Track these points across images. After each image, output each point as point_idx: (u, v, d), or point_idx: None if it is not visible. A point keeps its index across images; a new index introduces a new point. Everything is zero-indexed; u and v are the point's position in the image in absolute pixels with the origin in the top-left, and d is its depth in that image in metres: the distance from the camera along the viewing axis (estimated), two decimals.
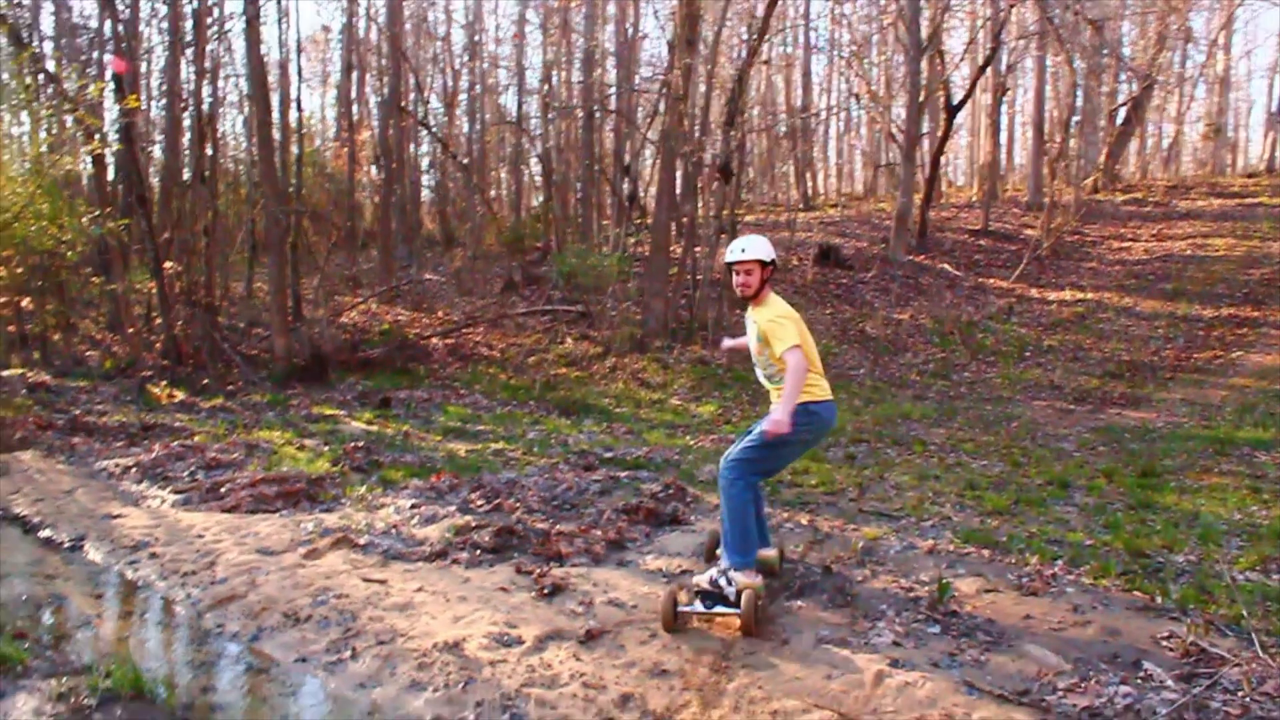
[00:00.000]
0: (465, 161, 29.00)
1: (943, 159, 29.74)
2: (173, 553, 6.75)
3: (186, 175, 19.13)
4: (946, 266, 21.51)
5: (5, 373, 15.28)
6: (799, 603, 5.38)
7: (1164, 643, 4.66)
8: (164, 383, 14.66)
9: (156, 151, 22.64)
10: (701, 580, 5.22)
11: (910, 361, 15.99)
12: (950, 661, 4.59)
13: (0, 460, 9.75)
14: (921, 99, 23.91)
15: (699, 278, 18.21)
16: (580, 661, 4.76)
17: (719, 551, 5.47)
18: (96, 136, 15.64)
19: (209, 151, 18.43)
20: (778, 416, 5.05)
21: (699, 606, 5.10)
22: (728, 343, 6.31)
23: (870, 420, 11.83)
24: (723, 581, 5.12)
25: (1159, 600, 5.25)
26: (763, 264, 5.37)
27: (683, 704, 4.34)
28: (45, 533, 7.45)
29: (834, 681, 4.44)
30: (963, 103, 25.79)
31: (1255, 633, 4.65)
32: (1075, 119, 26.42)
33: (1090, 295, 19.14)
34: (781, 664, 4.65)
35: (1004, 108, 32.09)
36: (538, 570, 5.95)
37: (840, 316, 18.49)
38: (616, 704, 4.36)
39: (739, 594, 5.02)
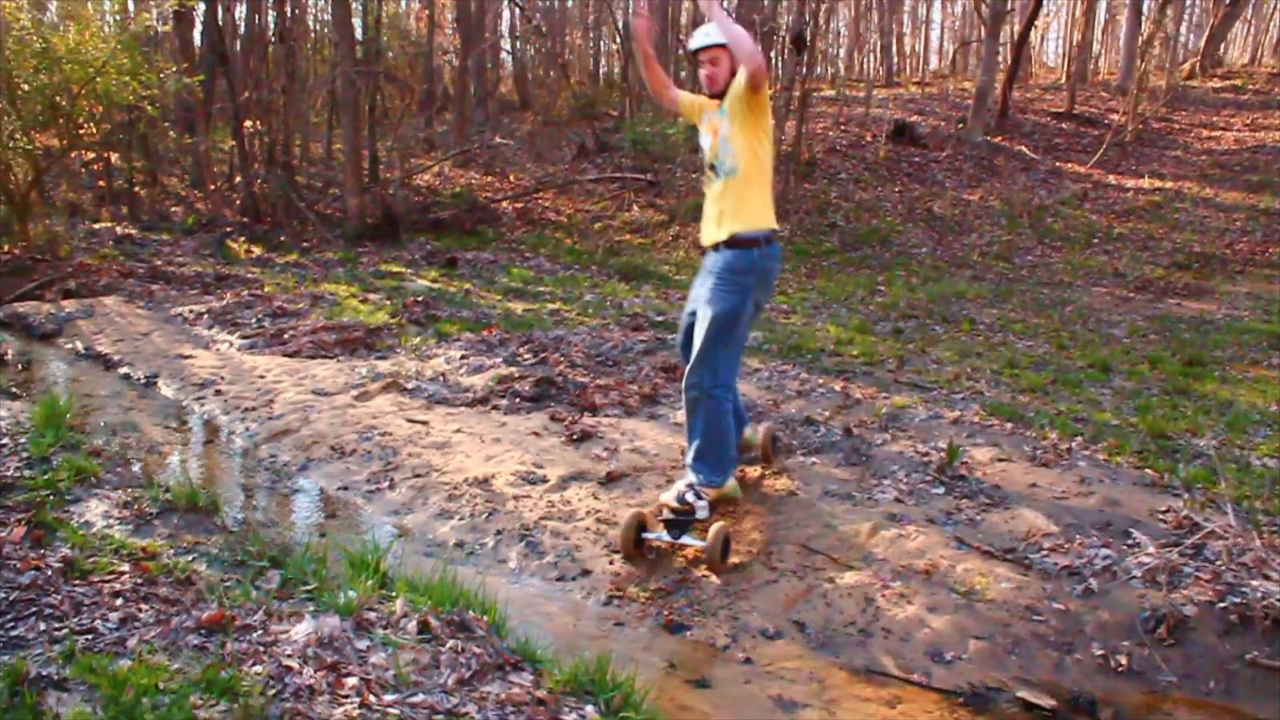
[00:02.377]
0: (543, 28, 28.76)
1: (1035, 38, 28.61)
2: (235, 391, 7.23)
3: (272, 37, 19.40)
4: (1024, 149, 20.95)
5: (96, 225, 15.96)
6: (814, 459, 5.63)
7: (1160, 516, 4.79)
8: (242, 238, 15.18)
9: (240, 11, 22.89)
10: (669, 498, 4.55)
11: (974, 242, 15.82)
12: (946, 519, 4.79)
13: (86, 303, 10.36)
14: None
15: None
16: (598, 500, 5.10)
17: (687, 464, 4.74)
18: None
19: (289, 11, 18.63)
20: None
21: (665, 535, 4.49)
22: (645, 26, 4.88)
23: (924, 297, 11.85)
24: (691, 497, 4.50)
25: (1167, 479, 5.34)
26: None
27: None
28: (124, 369, 8.02)
29: (832, 529, 4.71)
30: None
31: (1251, 511, 4.78)
32: None
33: (1170, 184, 18.57)
34: (786, 511, 4.94)
35: None
36: (570, 418, 6.29)
37: (909, 195, 18.25)
38: None
39: (711, 511, 4.54)
